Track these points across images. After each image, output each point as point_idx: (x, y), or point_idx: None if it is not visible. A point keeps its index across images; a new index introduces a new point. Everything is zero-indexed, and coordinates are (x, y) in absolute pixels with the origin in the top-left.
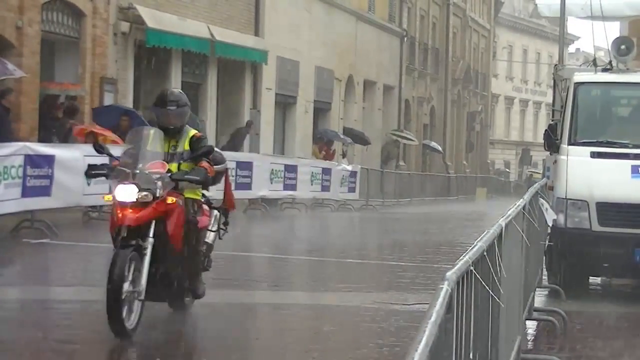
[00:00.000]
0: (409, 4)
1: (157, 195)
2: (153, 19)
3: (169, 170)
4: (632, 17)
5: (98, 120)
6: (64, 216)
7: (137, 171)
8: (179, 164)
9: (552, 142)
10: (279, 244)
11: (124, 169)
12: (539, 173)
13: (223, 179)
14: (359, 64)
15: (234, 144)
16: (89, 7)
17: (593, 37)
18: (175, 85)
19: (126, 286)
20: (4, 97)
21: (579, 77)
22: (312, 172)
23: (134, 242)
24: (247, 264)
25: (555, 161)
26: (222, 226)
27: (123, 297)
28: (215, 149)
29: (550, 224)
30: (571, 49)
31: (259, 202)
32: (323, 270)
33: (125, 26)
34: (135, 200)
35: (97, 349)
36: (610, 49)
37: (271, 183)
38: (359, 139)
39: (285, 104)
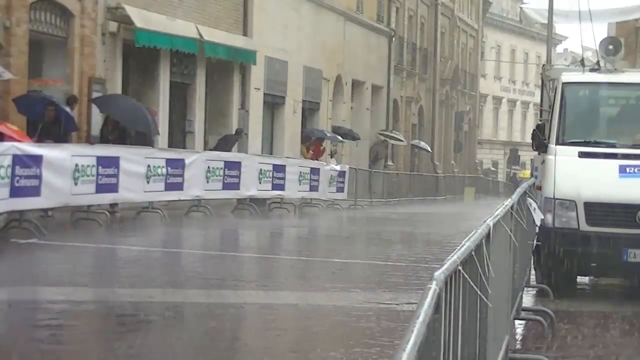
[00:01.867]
0: (397, 4)
1: None
2: (141, 18)
3: None
4: (619, 21)
5: (23, 111)
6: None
7: None
8: None
9: (540, 142)
10: (268, 244)
11: None
12: (522, 171)
13: None
14: (347, 64)
15: (223, 150)
16: (77, 7)
17: (581, 38)
18: (163, 85)
19: None
20: None
21: (567, 77)
22: (301, 172)
23: None
24: (235, 263)
25: (543, 161)
26: None
27: None
28: None
29: (538, 224)
30: (559, 49)
31: (247, 202)
32: (312, 270)
33: (113, 26)
34: None
35: (85, 349)
36: (597, 49)
37: (260, 183)
38: (348, 135)
39: (273, 104)
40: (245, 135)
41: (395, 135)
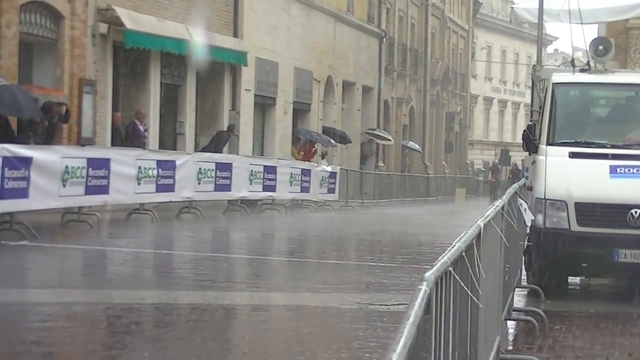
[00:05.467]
0: (387, 4)
1: None
2: (131, 20)
3: None
4: (610, 21)
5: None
6: (42, 218)
7: None
8: None
9: (530, 142)
10: (259, 245)
11: None
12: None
13: None
14: (337, 65)
15: (216, 147)
16: (67, 8)
17: (571, 38)
18: (154, 86)
19: None
20: None
21: (557, 77)
22: (292, 173)
23: None
24: (226, 265)
25: (534, 162)
26: None
27: None
28: None
29: (529, 225)
30: (549, 49)
31: (238, 204)
32: (303, 271)
33: (103, 27)
34: None
35: (76, 351)
36: (588, 49)
37: (250, 184)
38: (340, 138)
39: (264, 105)
40: (236, 136)
41: (383, 135)
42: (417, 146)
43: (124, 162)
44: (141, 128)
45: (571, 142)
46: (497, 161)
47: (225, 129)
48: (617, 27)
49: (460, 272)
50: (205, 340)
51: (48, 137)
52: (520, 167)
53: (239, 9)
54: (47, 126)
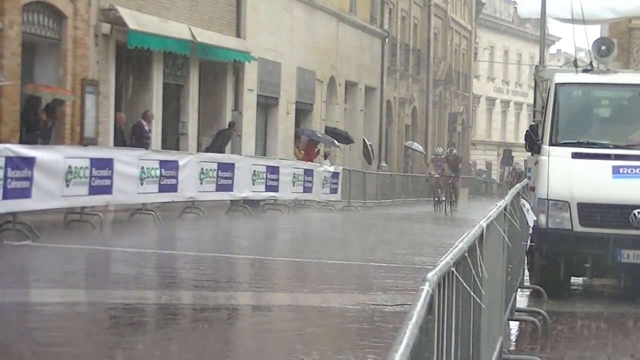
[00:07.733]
0: (390, 5)
1: None
2: (134, 20)
3: None
4: (613, 19)
5: None
6: (45, 218)
7: None
8: None
9: (533, 142)
10: (261, 245)
11: None
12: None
13: None
14: (340, 65)
15: (220, 146)
16: (69, 8)
17: (574, 38)
18: (157, 86)
19: None
20: None
21: (560, 78)
22: (294, 174)
23: None
24: (228, 265)
25: (537, 162)
26: None
27: None
28: None
29: (532, 225)
30: (552, 49)
31: (240, 204)
32: (305, 272)
33: (106, 27)
34: None
35: (79, 351)
36: (591, 50)
37: (253, 184)
38: (343, 138)
39: (267, 105)
40: (239, 136)
41: (368, 143)
42: (421, 147)
43: (127, 162)
44: (147, 129)
45: (574, 143)
46: (440, 150)
47: (226, 126)
48: (619, 28)
49: (463, 273)
50: (207, 341)
51: (49, 136)
52: (459, 155)
53: (242, 9)
54: (51, 126)
